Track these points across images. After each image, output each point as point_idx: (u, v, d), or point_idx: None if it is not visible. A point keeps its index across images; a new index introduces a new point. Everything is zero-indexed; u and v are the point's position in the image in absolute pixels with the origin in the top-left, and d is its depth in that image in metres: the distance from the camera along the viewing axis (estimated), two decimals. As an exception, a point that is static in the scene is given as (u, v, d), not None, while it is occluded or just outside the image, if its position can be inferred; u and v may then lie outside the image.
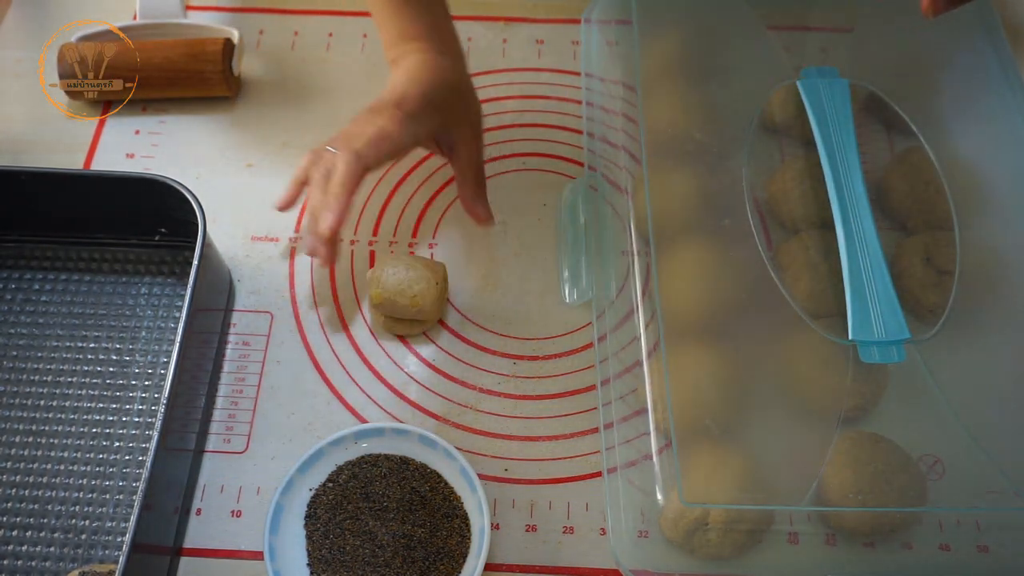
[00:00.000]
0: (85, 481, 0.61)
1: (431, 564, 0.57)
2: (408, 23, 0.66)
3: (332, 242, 0.59)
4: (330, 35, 0.84)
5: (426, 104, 0.63)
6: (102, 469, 0.62)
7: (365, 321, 0.69)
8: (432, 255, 0.72)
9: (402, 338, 0.68)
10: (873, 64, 0.71)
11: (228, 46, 0.77)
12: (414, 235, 0.73)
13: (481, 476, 0.62)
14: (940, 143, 0.67)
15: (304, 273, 0.71)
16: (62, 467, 0.62)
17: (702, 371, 0.58)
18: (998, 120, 0.68)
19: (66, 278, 0.70)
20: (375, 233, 0.73)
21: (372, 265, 0.71)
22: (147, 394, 0.65)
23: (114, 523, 0.60)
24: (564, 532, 0.60)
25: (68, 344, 0.67)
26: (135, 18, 0.82)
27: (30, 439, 0.63)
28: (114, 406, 0.64)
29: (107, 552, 0.59)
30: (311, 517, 0.59)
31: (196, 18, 0.83)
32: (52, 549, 0.59)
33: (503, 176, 0.76)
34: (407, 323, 0.67)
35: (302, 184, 0.62)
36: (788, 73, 0.68)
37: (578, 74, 0.81)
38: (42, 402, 0.64)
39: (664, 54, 0.69)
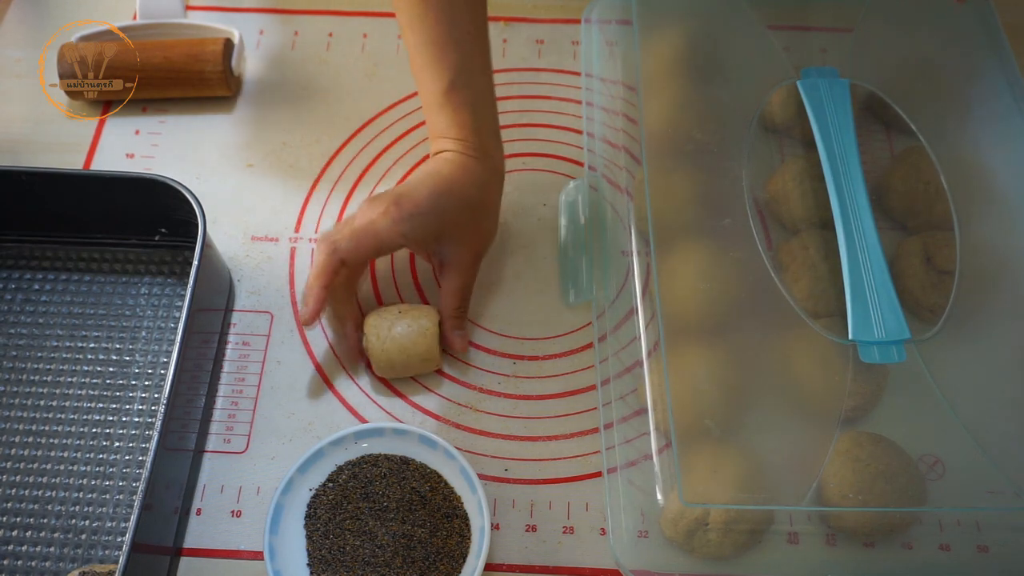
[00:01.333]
0: (85, 481, 0.61)
1: (431, 564, 0.57)
2: (454, 116, 0.60)
3: (312, 324, 0.64)
4: (330, 35, 0.84)
5: (426, 211, 0.58)
6: (102, 469, 0.62)
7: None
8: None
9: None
10: (873, 64, 0.71)
11: (228, 46, 0.77)
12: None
13: (481, 476, 0.62)
14: (940, 143, 0.67)
15: (304, 273, 0.71)
16: (62, 467, 0.62)
17: (702, 371, 0.58)
18: (998, 120, 0.68)
19: (66, 278, 0.70)
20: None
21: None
22: (147, 394, 0.65)
23: (114, 523, 0.60)
24: (564, 532, 0.60)
25: (68, 344, 0.67)
26: (135, 18, 0.82)
27: (30, 439, 0.63)
28: (114, 406, 0.64)
29: (107, 552, 0.59)
30: (311, 517, 0.59)
31: (196, 18, 0.83)
32: (52, 549, 0.59)
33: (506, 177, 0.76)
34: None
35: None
36: (788, 73, 0.68)
37: (578, 74, 0.81)
38: (42, 402, 0.64)
39: (664, 54, 0.69)
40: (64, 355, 0.66)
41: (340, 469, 0.61)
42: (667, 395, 0.54)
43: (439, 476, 0.60)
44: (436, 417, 0.64)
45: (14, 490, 0.61)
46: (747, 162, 0.65)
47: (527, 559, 0.59)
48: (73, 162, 0.76)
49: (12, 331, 0.67)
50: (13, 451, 0.62)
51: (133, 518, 0.51)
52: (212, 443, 0.63)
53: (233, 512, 0.61)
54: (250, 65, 0.82)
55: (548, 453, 0.63)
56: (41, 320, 0.68)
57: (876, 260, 0.58)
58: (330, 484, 0.60)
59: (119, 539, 0.59)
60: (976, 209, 0.65)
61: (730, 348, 0.59)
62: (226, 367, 0.66)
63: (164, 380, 0.57)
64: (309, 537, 0.58)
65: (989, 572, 0.57)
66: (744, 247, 0.61)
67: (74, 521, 0.60)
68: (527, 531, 0.60)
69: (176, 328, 0.58)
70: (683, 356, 0.58)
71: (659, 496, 0.54)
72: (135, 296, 0.69)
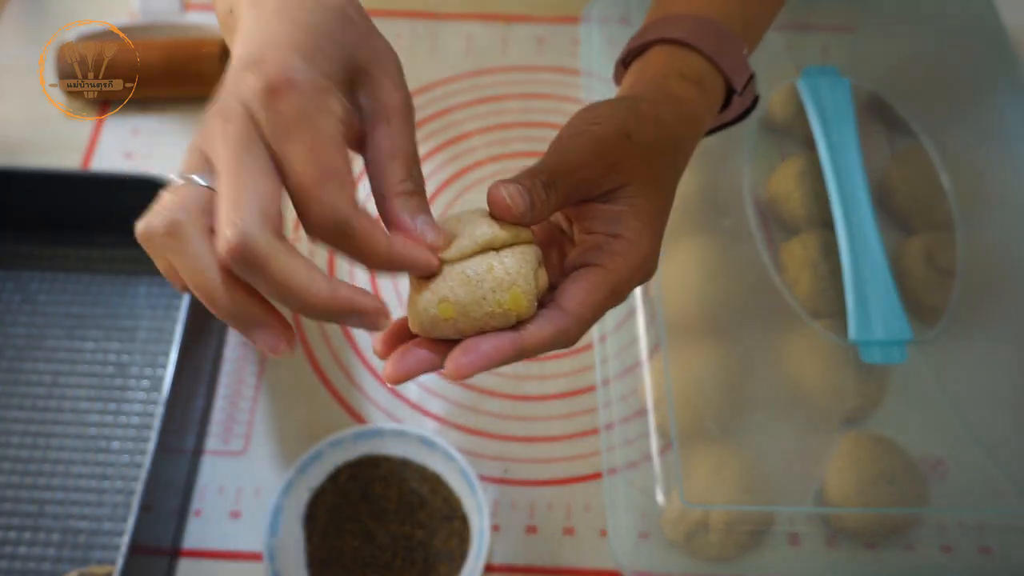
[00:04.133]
0: (83, 482, 0.61)
1: (431, 565, 0.57)
2: None
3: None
4: (330, 35, 0.83)
5: (309, 47, 0.32)
6: (100, 470, 0.62)
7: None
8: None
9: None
10: (874, 64, 0.71)
11: (227, 46, 0.76)
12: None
13: (481, 477, 0.61)
14: (941, 143, 0.67)
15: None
16: (60, 467, 0.62)
17: (703, 372, 0.57)
18: (999, 120, 0.68)
19: (65, 278, 0.70)
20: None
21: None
22: (146, 394, 0.65)
23: (112, 524, 0.60)
24: (564, 533, 0.60)
25: (67, 344, 0.66)
26: (134, 17, 0.82)
27: (28, 439, 0.63)
28: (113, 406, 0.64)
29: (105, 553, 0.59)
30: (310, 518, 0.59)
31: (196, 18, 0.83)
32: (50, 550, 0.59)
33: (503, 176, 0.75)
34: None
35: None
36: (789, 73, 0.67)
37: (578, 73, 0.81)
38: (40, 402, 0.64)
39: (664, 54, 0.69)
40: (63, 355, 0.66)
41: (339, 470, 0.60)
42: (668, 396, 0.54)
43: (439, 477, 0.60)
44: (436, 418, 0.64)
45: (12, 491, 0.61)
46: (748, 161, 0.65)
47: (527, 560, 0.59)
48: (72, 162, 0.75)
49: (10, 331, 0.67)
50: (11, 451, 0.62)
51: (131, 519, 0.51)
52: (211, 444, 0.63)
53: (232, 513, 0.61)
54: (250, 65, 0.81)
55: (548, 454, 0.63)
56: (40, 320, 0.68)
57: (877, 260, 0.58)
58: (330, 485, 0.60)
59: (117, 540, 0.59)
60: (977, 209, 0.65)
61: (731, 348, 0.59)
62: (225, 367, 0.66)
63: (163, 380, 0.57)
64: (308, 538, 0.58)
65: (991, 574, 0.57)
66: (745, 247, 0.61)
67: (72, 522, 0.60)
68: (527, 532, 0.60)
69: (175, 328, 0.57)
70: (683, 356, 0.58)
71: (660, 497, 0.53)
72: (134, 296, 0.69)
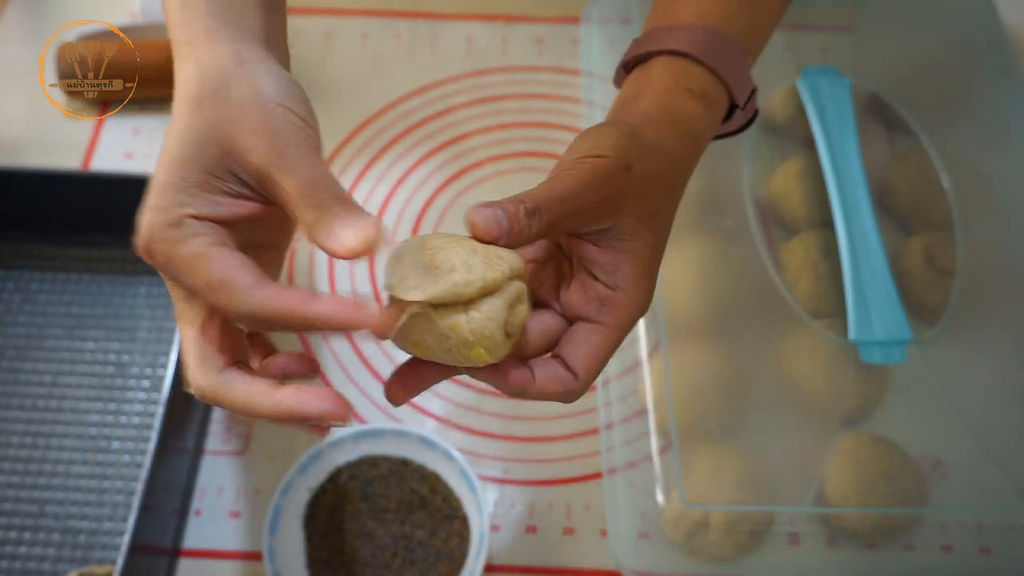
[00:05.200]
0: (84, 482, 0.61)
1: (431, 565, 0.57)
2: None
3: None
4: (329, 35, 0.83)
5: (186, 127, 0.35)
6: (101, 470, 0.62)
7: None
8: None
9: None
10: (874, 64, 0.71)
11: None
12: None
13: (481, 477, 0.61)
14: (941, 143, 0.67)
15: (303, 273, 0.71)
16: (60, 467, 0.62)
17: (703, 371, 0.57)
18: (999, 120, 0.68)
19: (65, 278, 0.70)
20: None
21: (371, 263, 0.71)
22: (146, 394, 0.65)
23: (113, 524, 0.60)
24: (564, 533, 0.60)
25: (67, 344, 0.66)
26: (134, 17, 0.82)
27: (28, 439, 0.63)
28: (113, 406, 0.64)
29: (105, 553, 0.59)
30: (310, 518, 0.59)
31: (195, 18, 0.83)
32: (50, 550, 0.59)
33: (503, 176, 0.75)
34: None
35: None
36: (789, 73, 0.67)
37: (578, 73, 0.81)
38: (40, 402, 0.64)
39: (664, 54, 0.69)
40: (63, 355, 0.66)
41: (339, 470, 0.60)
42: (668, 396, 0.54)
43: (439, 477, 0.60)
44: (436, 418, 0.64)
45: (12, 491, 0.61)
46: (748, 161, 0.65)
47: (527, 560, 0.59)
48: (72, 162, 0.75)
49: (11, 331, 0.67)
50: (11, 451, 0.62)
51: (132, 519, 0.51)
52: (211, 443, 0.63)
53: (232, 513, 0.61)
54: (250, 65, 0.81)
55: (548, 454, 0.63)
56: (40, 320, 0.68)
57: (877, 260, 0.58)
58: (330, 485, 0.60)
59: (117, 540, 0.59)
60: (977, 209, 0.65)
61: (731, 348, 0.59)
62: (225, 367, 0.66)
63: (163, 380, 0.57)
64: (308, 538, 0.58)
65: (991, 573, 0.57)
66: (745, 247, 0.61)
67: (72, 522, 0.60)
68: (527, 532, 0.60)
69: (175, 328, 0.57)
70: (683, 356, 0.58)
71: (660, 497, 0.53)
72: (134, 296, 0.69)
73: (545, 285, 0.38)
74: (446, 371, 0.36)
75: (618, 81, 0.45)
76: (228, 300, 0.32)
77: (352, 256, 0.33)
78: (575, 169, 0.36)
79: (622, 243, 0.36)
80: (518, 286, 0.34)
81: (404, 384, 0.36)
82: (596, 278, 0.36)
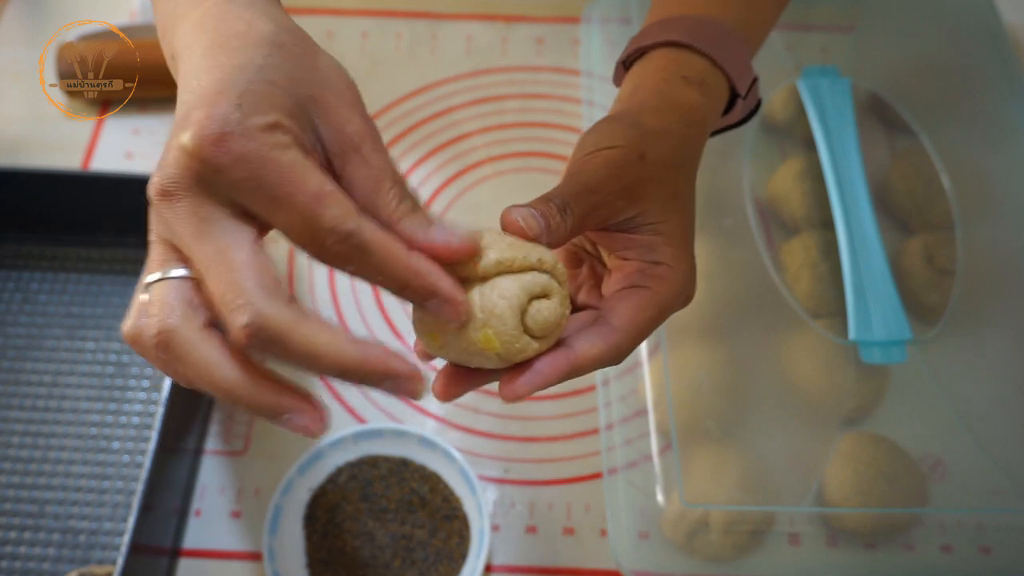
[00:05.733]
0: (84, 482, 0.61)
1: (430, 565, 0.57)
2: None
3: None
4: (330, 35, 0.83)
5: (257, 90, 0.29)
6: (101, 470, 0.62)
7: (364, 321, 0.69)
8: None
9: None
10: (874, 64, 0.71)
11: None
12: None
13: (481, 477, 0.61)
14: (941, 143, 0.67)
15: (303, 273, 0.71)
16: (61, 467, 0.62)
17: (702, 371, 0.57)
18: (999, 120, 0.68)
19: (65, 278, 0.70)
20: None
21: None
22: (146, 394, 0.65)
23: (113, 524, 0.60)
24: (564, 533, 0.60)
25: (67, 344, 0.67)
26: (134, 17, 0.82)
27: (28, 439, 0.63)
28: (113, 406, 0.64)
29: (105, 553, 0.59)
30: (310, 518, 0.59)
31: (195, 18, 0.83)
32: (50, 550, 0.59)
33: (503, 176, 0.75)
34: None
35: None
36: (789, 72, 0.67)
37: (578, 73, 0.81)
38: (41, 402, 0.64)
39: (664, 54, 0.69)
40: (63, 355, 0.66)
41: (339, 470, 0.60)
42: (668, 396, 0.54)
43: (438, 477, 0.60)
44: (436, 418, 0.64)
45: (12, 491, 0.61)
46: (748, 161, 0.65)
47: (527, 560, 0.59)
48: (72, 162, 0.75)
49: (11, 331, 0.67)
50: (11, 451, 0.62)
51: (132, 519, 0.51)
52: (211, 443, 0.63)
53: (232, 513, 0.61)
54: (250, 65, 0.81)
55: (548, 454, 0.63)
56: (40, 320, 0.68)
57: (877, 260, 0.58)
58: (329, 485, 0.60)
59: (117, 540, 0.59)
60: (977, 209, 0.65)
61: (730, 348, 0.59)
62: (225, 367, 0.66)
63: (163, 380, 0.57)
64: (308, 538, 0.58)
65: (991, 573, 0.57)
66: (745, 247, 0.61)
67: (72, 522, 0.60)
68: (527, 532, 0.60)
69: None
70: (683, 356, 0.58)
71: (660, 497, 0.53)
72: (134, 296, 0.69)
73: (584, 286, 0.38)
74: (478, 377, 0.34)
75: (617, 79, 0.45)
76: (340, 217, 0.28)
77: (457, 253, 0.31)
78: (590, 164, 0.36)
79: (653, 226, 0.36)
80: (545, 280, 0.33)
81: (445, 384, 0.34)
82: (634, 259, 0.36)
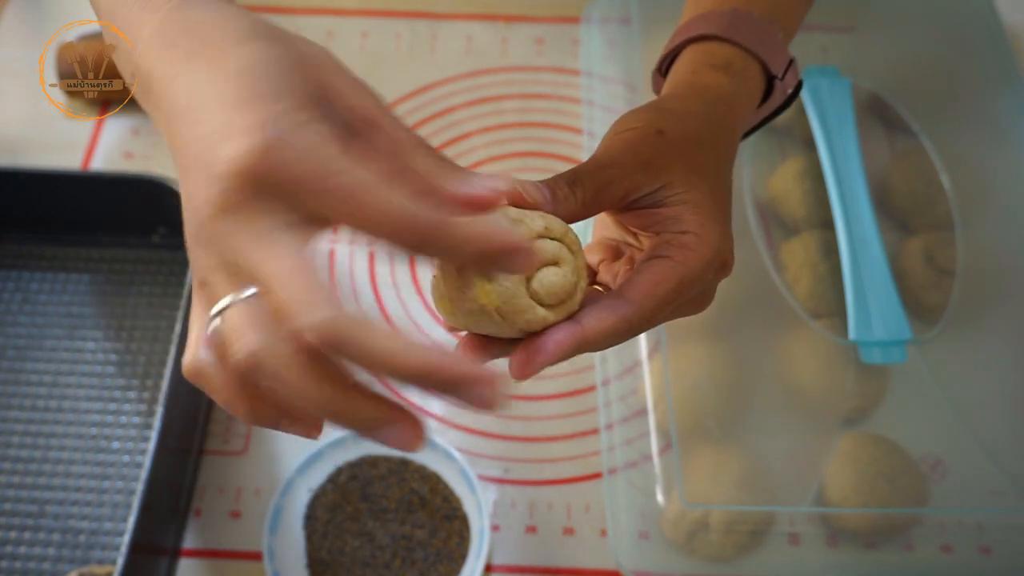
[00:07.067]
0: (83, 482, 0.61)
1: (430, 565, 0.57)
2: None
3: None
4: (330, 35, 0.83)
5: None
6: (101, 469, 0.62)
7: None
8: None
9: None
10: (874, 64, 0.71)
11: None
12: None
13: (481, 477, 0.61)
14: (941, 143, 0.67)
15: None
16: (61, 467, 0.62)
17: (702, 371, 0.57)
18: (999, 120, 0.68)
19: (65, 278, 0.70)
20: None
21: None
22: (146, 394, 0.64)
23: (113, 524, 0.60)
24: (564, 533, 0.60)
25: (67, 344, 0.66)
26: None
27: (28, 439, 0.63)
28: (113, 406, 0.64)
29: (105, 553, 0.59)
30: (310, 518, 0.59)
31: (195, 18, 0.83)
32: (50, 550, 0.59)
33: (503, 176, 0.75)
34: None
35: None
36: (789, 73, 0.67)
37: (578, 73, 0.81)
38: (41, 402, 0.64)
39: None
40: (63, 355, 0.66)
41: (339, 470, 0.60)
42: (668, 396, 0.54)
43: (438, 477, 0.60)
44: (436, 417, 0.64)
45: (12, 491, 0.61)
46: (748, 162, 0.65)
47: (527, 560, 0.59)
48: (72, 162, 0.75)
49: (11, 331, 0.67)
50: (11, 451, 0.62)
51: (132, 519, 0.51)
52: (211, 443, 0.63)
53: (232, 513, 0.61)
54: (250, 65, 0.81)
55: (548, 454, 0.63)
56: (40, 320, 0.68)
57: (877, 260, 0.58)
58: (329, 485, 0.60)
59: (117, 540, 0.59)
60: (977, 209, 0.65)
61: (731, 348, 0.59)
62: (225, 367, 0.66)
63: (163, 380, 0.57)
64: (308, 538, 0.58)
65: (991, 573, 0.57)
66: (744, 247, 0.61)
67: (72, 522, 0.60)
68: (527, 532, 0.60)
69: (175, 328, 0.57)
70: (683, 356, 0.58)
71: (660, 497, 0.53)
72: (134, 296, 0.69)
73: (620, 274, 0.37)
74: (494, 347, 0.33)
75: (656, 87, 0.45)
76: (386, 200, 0.27)
77: (490, 200, 0.30)
78: (609, 143, 0.36)
79: (678, 196, 0.35)
80: (554, 247, 0.32)
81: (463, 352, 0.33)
82: (664, 232, 0.35)
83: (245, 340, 0.27)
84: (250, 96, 0.27)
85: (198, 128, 0.28)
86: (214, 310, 0.28)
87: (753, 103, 0.42)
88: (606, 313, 0.32)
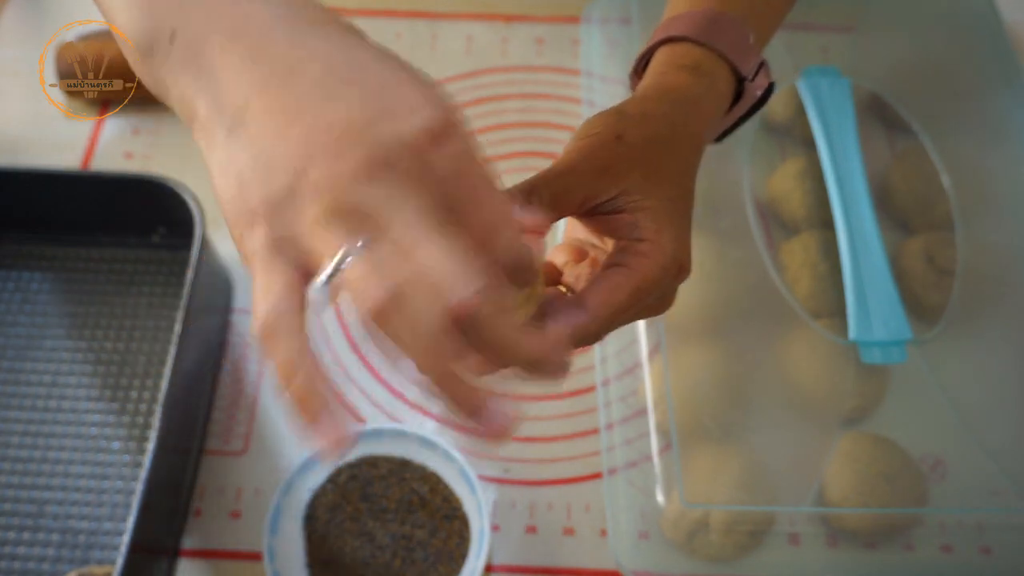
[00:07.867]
0: (83, 482, 0.61)
1: (430, 565, 0.57)
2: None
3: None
4: (330, 35, 0.83)
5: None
6: (100, 470, 0.62)
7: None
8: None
9: None
10: (874, 63, 0.71)
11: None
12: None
13: (481, 477, 0.61)
14: (941, 142, 0.67)
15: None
16: (60, 467, 0.62)
17: (702, 371, 0.57)
18: (999, 119, 0.68)
19: (65, 278, 0.70)
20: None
21: None
22: (146, 394, 0.64)
23: (113, 524, 0.60)
24: (564, 533, 0.60)
25: (67, 344, 0.66)
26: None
27: (28, 439, 0.63)
28: (112, 406, 0.64)
29: (105, 553, 0.59)
30: (310, 518, 0.59)
31: (195, 18, 0.83)
32: (50, 550, 0.59)
33: (503, 177, 0.75)
34: None
35: None
36: (789, 73, 0.67)
37: (578, 73, 0.81)
38: (40, 402, 0.64)
39: (664, 54, 0.69)
40: (63, 355, 0.66)
41: (339, 470, 0.60)
42: (668, 396, 0.54)
43: (438, 477, 0.60)
44: (436, 418, 0.64)
45: (12, 491, 0.61)
46: (748, 161, 0.65)
47: (527, 560, 0.59)
48: (72, 162, 0.75)
49: (10, 331, 0.67)
50: (11, 451, 0.62)
51: (131, 519, 0.51)
52: (211, 443, 0.63)
53: (232, 513, 0.61)
54: (249, 65, 0.81)
55: (548, 454, 0.63)
56: (40, 320, 0.68)
57: (877, 260, 0.58)
58: (329, 485, 0.60)
59: (117, 540, 0.59)
60: (977, 209, 0.65)
61: (731, 348, 0.59)
62: (225, 367, 0.66)
63: (163, 380, 0.57)
64: (308, 538, 0.58)
65: (991, 573, 0.57)
66: (745, 247, 0.61)
67: (72, 522, 0.60)
68: (527, 532, 0.60)
69: (174, 328, 0.57)
70: (683, 356, 0.58)
71: (660, 497, 0.53)
72: (134, 296, 0.69)
73: (583, 277, 0.38)
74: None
75: (633, 88, 0.45)
76: (510, 237, 0.29)
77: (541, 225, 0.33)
78: (570, 149, 0.37)
79: (636, 202, 0.36)
80: None
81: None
82: (623, 239, 0.36)
83: (384, 282, 0.27)
84: (406, 82, 0.28)
85: (347, 89, 0.28)
86: (337, 256, 0.28)
87: (723, 104, 0.42)
88: (563, 320, 0.34)
